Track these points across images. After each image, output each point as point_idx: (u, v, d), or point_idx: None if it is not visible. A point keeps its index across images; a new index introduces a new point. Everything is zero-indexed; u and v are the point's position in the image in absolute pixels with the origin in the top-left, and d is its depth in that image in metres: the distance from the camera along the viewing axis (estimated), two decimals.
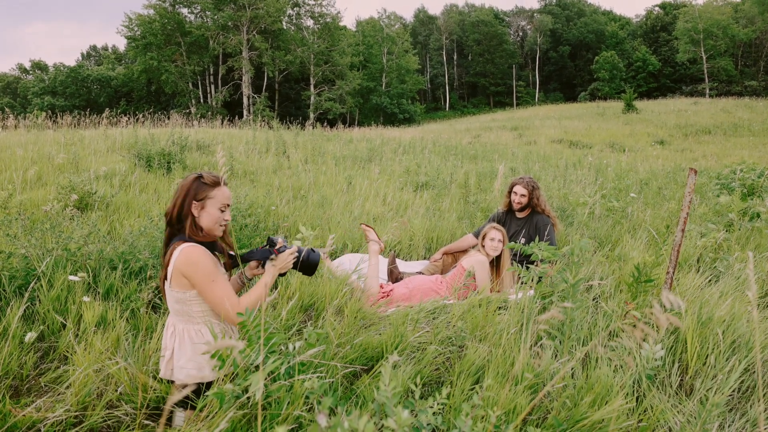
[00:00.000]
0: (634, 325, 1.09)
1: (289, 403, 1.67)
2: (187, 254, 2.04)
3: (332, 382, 2.28)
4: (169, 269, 2.06)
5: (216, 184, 2.17)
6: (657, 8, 75.65)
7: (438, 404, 1.62)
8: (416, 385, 1.88)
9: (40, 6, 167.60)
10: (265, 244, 2.36)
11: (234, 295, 2.12)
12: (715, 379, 2.79)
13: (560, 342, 2.64)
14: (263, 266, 2.38)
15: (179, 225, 2.15)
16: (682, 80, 65.41)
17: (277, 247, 2.31)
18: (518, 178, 4.86)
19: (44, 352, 2.89)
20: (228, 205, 2.21)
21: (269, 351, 1.64)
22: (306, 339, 1.77)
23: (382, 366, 2.62)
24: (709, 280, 4.20)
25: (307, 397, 1.93)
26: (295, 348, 1.68)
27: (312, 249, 2.38)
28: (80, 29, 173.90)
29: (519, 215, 4.90)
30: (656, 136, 26.26)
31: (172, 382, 2.15)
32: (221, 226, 2.19)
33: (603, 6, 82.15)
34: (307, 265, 2.36)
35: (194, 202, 2.12)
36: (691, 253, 4.84)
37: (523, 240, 4.72)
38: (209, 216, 2.14)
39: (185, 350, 2.11)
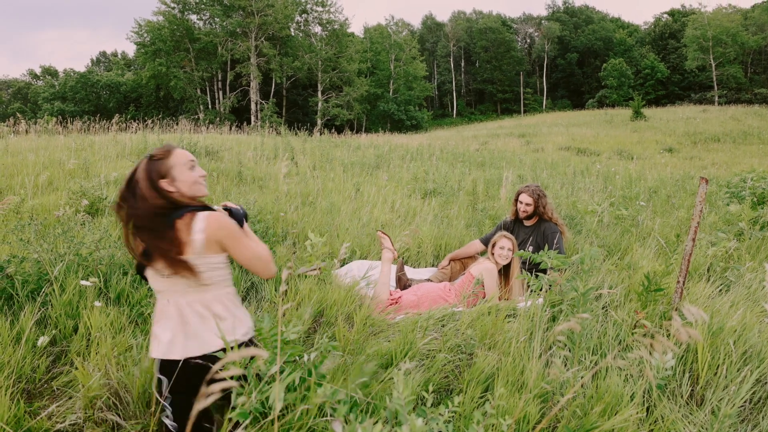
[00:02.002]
0: (653, 336, 1.09)
1: (303, 412, 1.68)
2: (215, 220, 1.96)
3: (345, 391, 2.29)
4: (197, 237, 1.93)
5: (168, 152, 2.04)
6: (666, 15, 75.54)
7: (449, 412, 1.63)
8: (428, 392, 1.88)
9: (53, 13, 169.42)
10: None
11: (264, 246, 2.10)
12: (727, 390, 2.77)
13: (570, 351, 2.64)
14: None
15: (168, 207, 1.97)
16: (690, 88, 65.16)
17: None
18: (524, 186, 4.86)
19: (56, 356, 2.91)
20: (194, 162, 2.10)
21: (285, 360, 1.65)
22: (321, 351, 1.79)
23: (392, 372, 2.62)
24: (720, 290, 4.18)
25: (320, 407, 1.94)
26: (310, 359, 1.69)
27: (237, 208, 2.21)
28: (92, 36, 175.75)
29: (527, 223, 4.89)
30: (665, 144, 26.17)
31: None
32: (200, 184, 2.08)
33: (611, 13, 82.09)
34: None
35: (161, 180, 1.97)
36: (702, 263, 4.82)
37: (531, 248, 4.71)
38: (184, 182, 2.02)
39: (193, 322, 1.98)
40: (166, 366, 1.98)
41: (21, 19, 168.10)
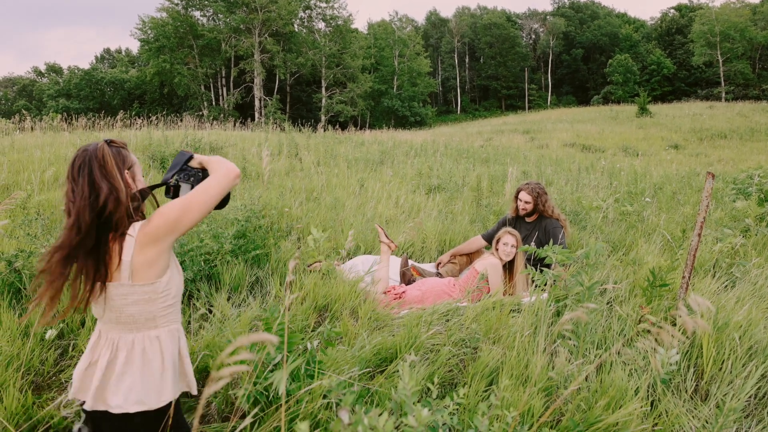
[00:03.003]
0: (660, 326, 1.09)
1: (307, 401, 1.69)
2: (148, 221, 1.59)
3: (349, 381, 2.30)
4: (125, 260, 1.56)
5: (126, 146, 1.72)
6: (672, 10, 75.11)
7: (454, 404, 1.63)
8: (433, 384, 1.89)
9: (61, 11, 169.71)
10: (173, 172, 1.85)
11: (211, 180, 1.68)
12: (732, 385, 2.77)
13: (575, 345, 2.64)
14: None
15: (121, 212, 1.59)
16: (697, 84, 64.80)
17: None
18: (524, 183, 4.86)
19: (63, 349, 2.94)
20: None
21: (289, 351, 1.66)
22: (325, 337, 1.80)
23: (396, 366, 2.63)
24: (725, 286, 4.17)
25: (324, 396, 1.96)
26: (313, 346, 1.70)
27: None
28: (99, 34, 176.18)
29: (528, 220, 4.90)
30: (670, 141, 26.06)
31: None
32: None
33: (617, 8, 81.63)
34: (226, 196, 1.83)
35: (127, 171, 1.65)
36: (707, 258, 4.81)
37: (533, 244, 4.72)
38: (141, 186, 1.72)
39: (134, 368, 1.62)
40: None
41: (29, 18, 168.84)
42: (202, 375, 2.64)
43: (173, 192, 1.82)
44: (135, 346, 1.63)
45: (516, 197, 4.88)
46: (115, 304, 1.60)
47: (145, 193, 1.71)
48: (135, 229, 1.58)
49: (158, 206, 1.68)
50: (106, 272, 1.57)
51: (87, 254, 1.54)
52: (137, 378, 1.61)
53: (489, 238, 4.96)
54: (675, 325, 3.02)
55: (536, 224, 4.82)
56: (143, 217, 1.67)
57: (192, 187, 1.79)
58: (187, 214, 1.59)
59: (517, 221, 4.98)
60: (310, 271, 4.02)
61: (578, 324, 2.47)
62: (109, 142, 1.65)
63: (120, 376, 1.60)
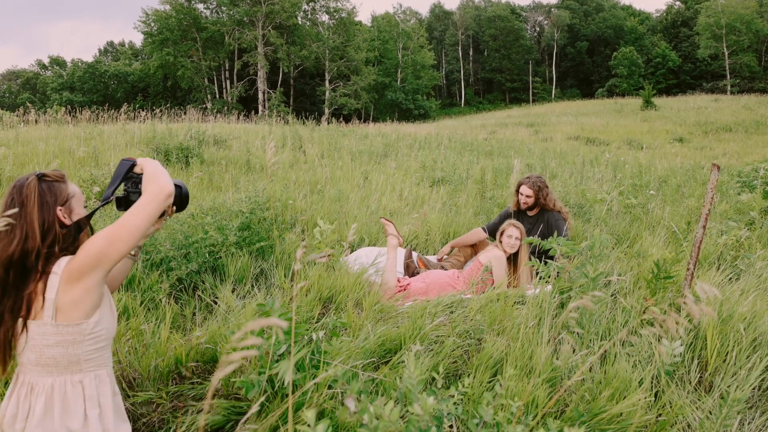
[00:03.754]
0: (666, 313, 1.09)
1: (313, 391, 1.70)
2: (74, 257, 1.49)
3: (354, 371, 2.31)
4: (48, 297, 1.45)
5: (64, 178, 1.63)
6: (678, 3, 74.52)
7: (459, 393, 1.64)
8: (438, 374, 1.90)
9: (66, 3, 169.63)
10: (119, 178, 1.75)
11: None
12: (736, 376, 2.77)
13: (579, 336, 2.65)
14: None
15: (47, 249, 1.50)
16: (702, 77, 64.37)
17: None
18: (525, 177, 4.84)
19: None
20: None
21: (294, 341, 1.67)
22: (330, 328, 1.80)
23: (401, 356, 2.64)
24: (730, 278, 4.17)
25: (329, 387, 1.97)
26: (318, 337, 1.71)
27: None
28: (104, 27, 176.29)
29: (529, 213, 4.89)
30: (675, 134, 25.94)
31: None
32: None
33: (622, 1, 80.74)
34: (184, 198, 1.85)
35: (60, 207, 1.55)
36: (712, 251, 4.80)
37: (537, 237, 4.72)
38: (79, 217, 1.62)
39: (54, 415, 1.49)
40: None
41: (34, 11, 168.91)
42: (208, 365, 2.66)
43: (125, 204, 1.75)
44: (54, 391, 1.50)
45: (517, 191, 4.87)
46: (36, 344, 1.47)
47: (82, 224, 1.61)
48: (60, 265, 1.47)
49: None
50: (28, 310, 1.46)
51: (5, 290, 1.46)
52: (57, 429, 1.49)
53: (490, 230, 4.96)
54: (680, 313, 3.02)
55: (538, 217, 4.81)
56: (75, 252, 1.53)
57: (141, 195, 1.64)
58: (113, 245, 1.45)
59: (519, 215, 4.97)
60: (315, 263, 4.03)
61: (583, 313, 2.48)
62: (41, 176, 1.55)
63: (38, 425, 1.48)
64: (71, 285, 1.45)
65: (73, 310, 1.47)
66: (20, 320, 1.47)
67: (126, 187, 1.73)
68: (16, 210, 1.48)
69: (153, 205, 1.52)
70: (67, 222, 1.56)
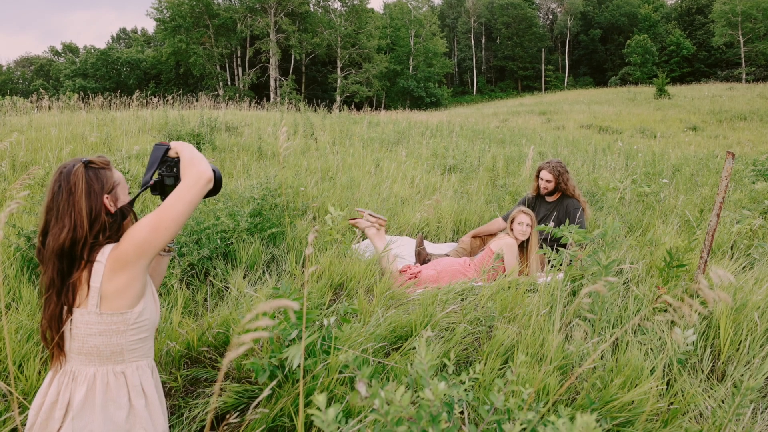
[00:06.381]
0: (682, 299, 1.08)
1: (323, 377, 1.71)
2: (118, 245, 1.48)
3: (365, 357, 2.32)
4: (93, 286, 1.45)
5: (109, 164, 1.61)
6: None
7: (470, 380, 1.64)
8: (449, 360, 1.90)
9: None
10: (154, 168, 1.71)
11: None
12: (749, 366, 2.75)
13: (591, 323, 2.64)
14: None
15: (93, 238, 1.48)
16: (717, 65, 63.37)
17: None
18: (545, 162, 4.80)
19: None
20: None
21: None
22: (341, 314, 1.81)
23: (412, 343, 2.65)
24: (744, 267, 4.12)
25: (340, 372, 1.97)
26: (330, 322, 1.71)
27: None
28: (120, 16, 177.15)
29: (548, 199, 4.85)
30: (689, 122, 25.62)
31: None
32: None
33: None
34: (217, 182, 1.72)
35: (107, 195, 1.53)
36: (725, 240, 4.75)
37: (552, 224, 4.68)
38: (123, 205, 1.60)
39: (95, 405, 1.48)
40: None
41: (56, 0, 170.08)
42: (219, 350, 2.68)
43: (160, 188, 1.73)
44: (96, 380, 1.48)
45: (537, 176, 4.84)
46: (79, 332, 1.46)
47: (126, 211, 1.59)
48: (105, 254, 1.46)
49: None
50: (73, 297, 1.46)
51: (63, 280, 1.46)
52: (97, 419, 1.47)
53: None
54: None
55: (557, 204, 4.78)
56: (118, 240, 1.52)
57: (176, 179, 1.68)
58: (157, 232, 1.45)
59: (537, 200, 4.94)
60: (326, 249, 4.03)
61: (596, 300, 2.46)
62: (87, 163, 1.54)
63: (77, 414, 1.46)
64: (116, 273, 1.44)
65: (118, 299, 1.46)
66: (65, 308, 1.47)
67: (160, 171, 1.71)
68: (63, 198, 1.46)
69: (194, 191, 1.51)
70: (113, 210, 1.54)
